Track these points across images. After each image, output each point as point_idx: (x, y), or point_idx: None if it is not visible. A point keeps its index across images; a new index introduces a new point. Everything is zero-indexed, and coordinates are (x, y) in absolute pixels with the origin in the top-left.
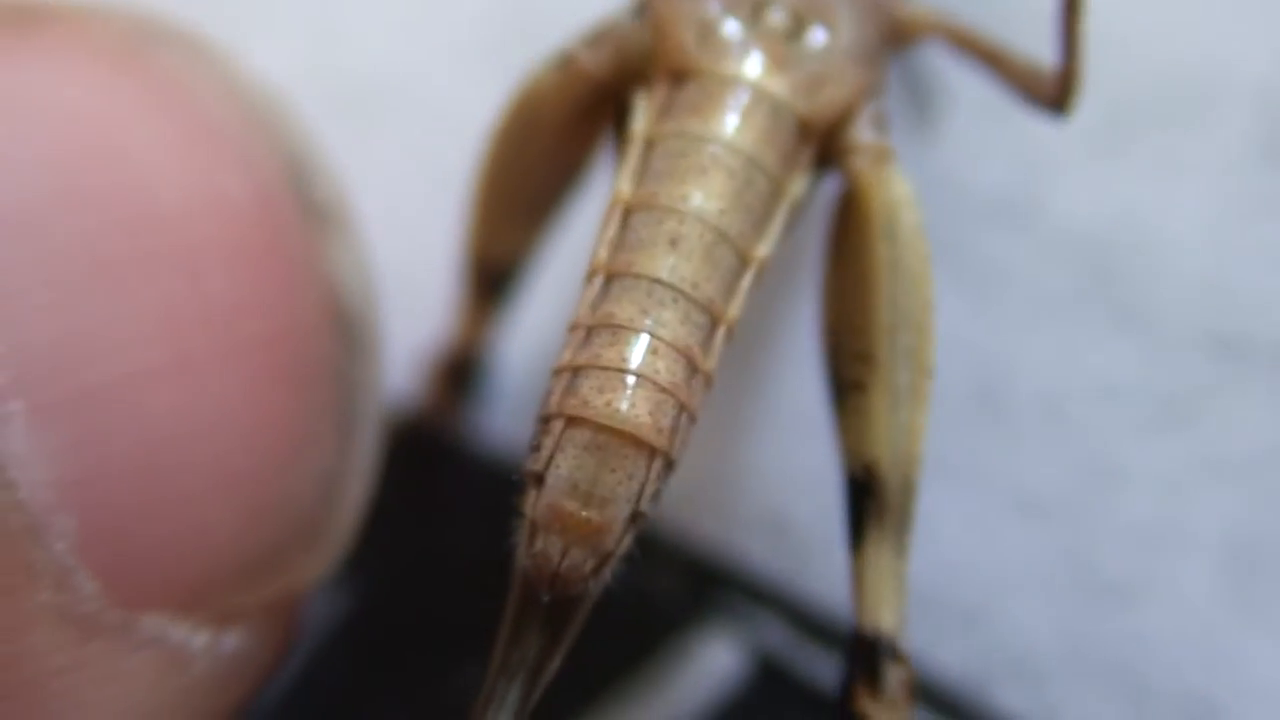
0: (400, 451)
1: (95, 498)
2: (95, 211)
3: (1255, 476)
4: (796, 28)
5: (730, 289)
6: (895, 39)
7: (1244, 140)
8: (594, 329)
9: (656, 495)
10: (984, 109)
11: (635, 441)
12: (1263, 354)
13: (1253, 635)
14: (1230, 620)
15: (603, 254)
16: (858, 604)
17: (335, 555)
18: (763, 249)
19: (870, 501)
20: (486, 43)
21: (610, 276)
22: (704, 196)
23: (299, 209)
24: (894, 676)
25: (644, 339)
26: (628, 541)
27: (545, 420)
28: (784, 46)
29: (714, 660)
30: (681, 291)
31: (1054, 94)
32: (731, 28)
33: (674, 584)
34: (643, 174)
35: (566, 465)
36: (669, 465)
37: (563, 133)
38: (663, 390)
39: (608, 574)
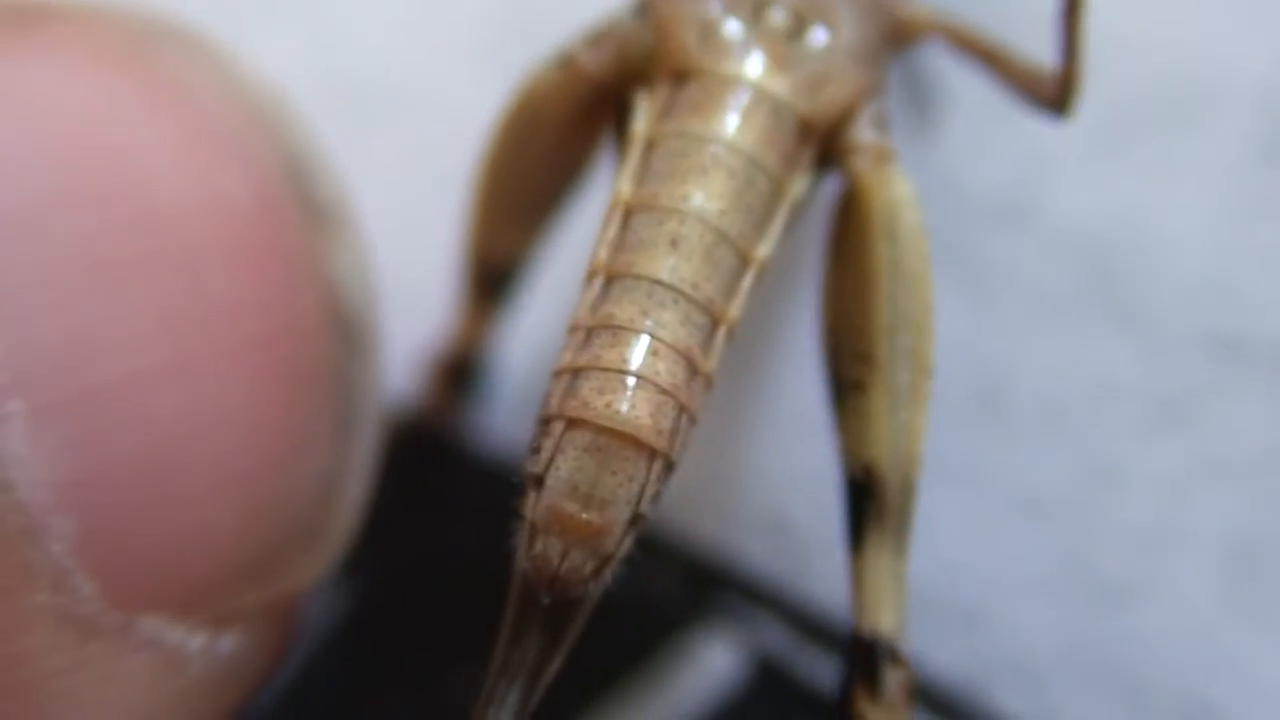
0: (400, 452)
1: (93, 498)
2: (95, 211)
3: (1255, 477)
4: (798, 28)
5: (731, 289)
6: (896, 39)
7: (1244, 140)
8: (594, 330)
9: (657, 497)
10: (985, 109)
11: (635, 443)
12: (1263, 354)
13: (1252, 636)
14: (1230, 621)
15: (603, 255)
16: (857, 606)
17: (334, 556)
18: (763, 249)
19: (870, 503)
20: (487, 42)
21: (610, 277)
22: (705, 197)
23: (299, 208)
24: (893, 679)
25: (644, 340)
26: (628, 543)
27: (545, 422)
28: (785, 46)
29: (713, 661)
30: (682, 292)
31: (1054, 95)
32: (733, 28)
33: (673, 585)
34: (643, 174)
35: (567, 467)
36: (669, 467)
37: (563, 133)
38: (663, 392)
39: (608, 576)
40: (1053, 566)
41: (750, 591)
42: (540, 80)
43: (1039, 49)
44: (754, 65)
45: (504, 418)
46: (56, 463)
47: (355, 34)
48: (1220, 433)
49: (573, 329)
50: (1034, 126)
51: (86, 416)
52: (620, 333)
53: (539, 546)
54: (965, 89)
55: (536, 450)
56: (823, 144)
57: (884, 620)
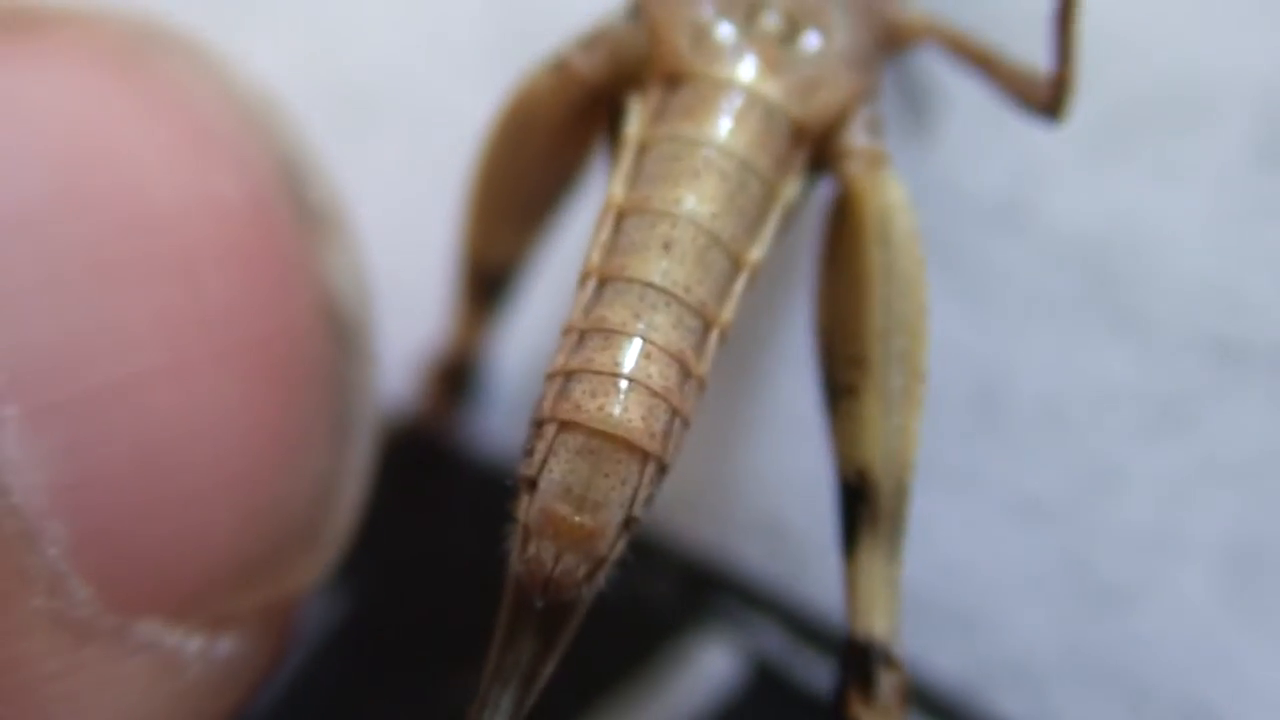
0: (395, 455)
1: (89, 501)
2: (91, 214)
3: (1254, 480)
4: (790, 31)
5: (723, 293)
6: (890, 43)
7: (1242, 143)
8: (587, 333)
9: (650, 500)
10: (980, 112)
11: (628, 446)
12: (1262, 357)
13: (1252, 639)
14: (1229, 624)
15: (596, 257)
16: (851, 610)
17: (330, 559)
18: (756, 253)
19: (863, 507)
20: (483, 44)
21: (603, 280)
22: (697, 200)
23: (294, 211)
24: (887, 683)
25: (637, 343)
26: (621, 546)
27: (538, 425)
28: (778, 50)
29: (709, 665)
30: (674, 295)
31: (1047, 99)
32: (725, 31)
33: (669, 588)
34: (636, 177)
35: (559, 470)
36: (662, 470)
37: (557, 136)
38: (655, 395)
39: (601, 579)
40: (1052, 569)
41: (746, 594)
42: (534, 83)
43: (1034, 54)
44: (747, 69)
45: (499, 421)
46: (52, 466)
47: (351, 37)
48: (1219, 435)
49: (566, 331)
50: (1030, 130)
51: (82, 419)
52: (613, 336)
53: (532, 549)
54: (959, 92)
55: (529, 453)
56: (816, 148)
57: (878, 624)
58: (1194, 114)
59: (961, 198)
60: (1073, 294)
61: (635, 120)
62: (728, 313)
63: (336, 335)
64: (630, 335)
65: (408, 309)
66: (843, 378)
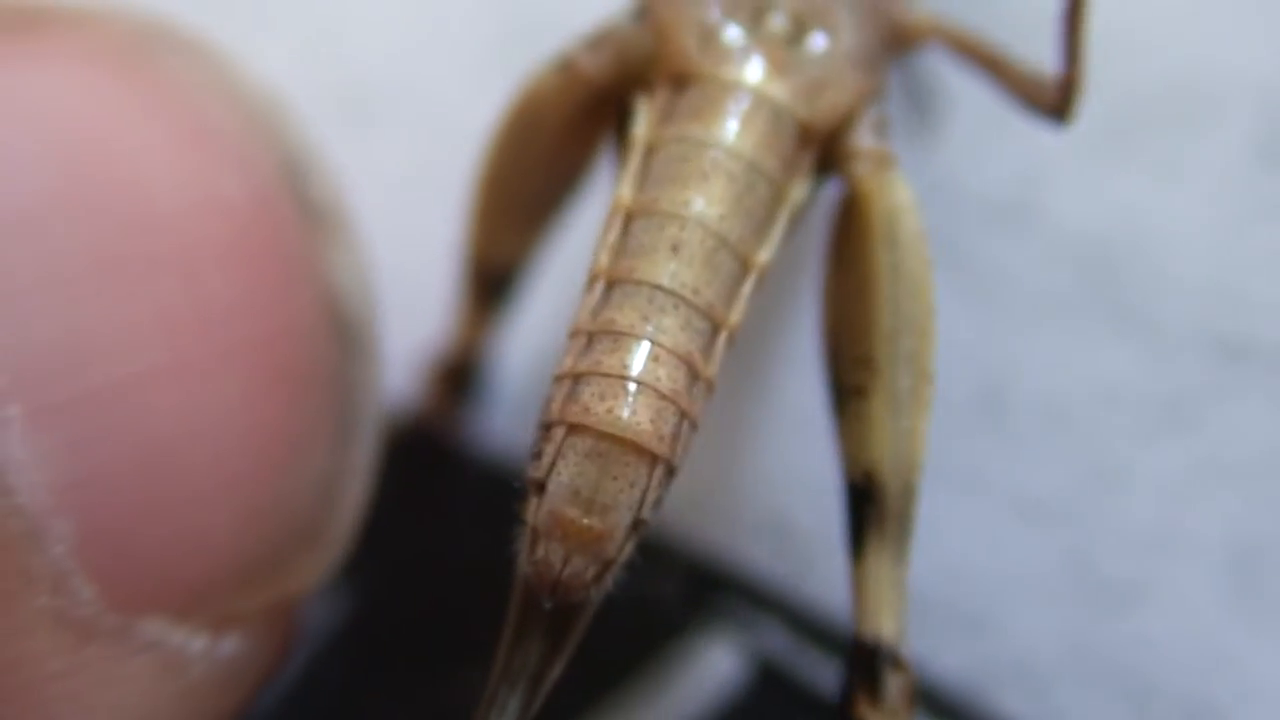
0: (399, 455)
1: (93, 501)
2: (93, 213)
3: (1258, 480)
4: (797, 33)
5: (731, 294)
6: (896, 44)
7: (1244, 143)
8: (595, 335)
9: (658, 502)
10: (985, 112)
11: (637, 449)
12: (1265, 357)
13: (1256, 639)
14: (1234, 624)
15: (603, 259)
16: (858, 611)
17: (334, 558)
18: (764, 254)
19: (870, 508)
20: (487, 44)
21: (611, 282)
22: (705, 202)
23: (296, 210)
24: (894, 684)
25: (645, 346)
26: (629, 549)
27: (546, 427)
28: (785, 51)
29: (715, 665)
30: (682, 298)
31: (1055, 101)
32: (732, 33)
33: (675, 589)
34: (644, 179)
35: (568, 472)
36: (670, 472)
37: (563, 136)
38: (664, 397)
39: (609, 581)
40: (1056, 569)
41: (752, 595)
42: (540, 83)
43: (1041, 55)
44: (754, 70)
45: (502, 420)
46: (55, 465)
47: (355, 36)
48: (1223, 435)
49: (573, 334)
50: (1035, 130)
51: (85, 418)
52: (621, 338)
53: (541, 552)
54: (966, 93)
55: (538, 455)
56: (823, 149)
57: (885, 625)
58: (1196, 114)
59: (966, 198)
60: (1076, 294)
61: (642, 121)
62: (736, 315)
63: (340, 334)
64: (639, 338)
65: (411, 308)
66: (850, 379)
